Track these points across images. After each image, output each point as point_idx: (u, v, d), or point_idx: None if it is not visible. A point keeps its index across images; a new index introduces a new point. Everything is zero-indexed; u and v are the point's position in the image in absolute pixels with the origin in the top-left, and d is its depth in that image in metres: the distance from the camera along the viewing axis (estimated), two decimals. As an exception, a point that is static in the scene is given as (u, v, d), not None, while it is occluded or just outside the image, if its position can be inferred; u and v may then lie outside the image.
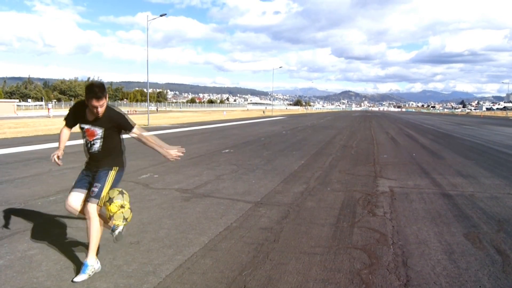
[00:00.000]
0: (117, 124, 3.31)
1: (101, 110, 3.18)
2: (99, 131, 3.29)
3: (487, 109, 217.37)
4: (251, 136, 17.10)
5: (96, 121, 3.26)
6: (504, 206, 5.49)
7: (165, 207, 5.13)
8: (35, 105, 74.97)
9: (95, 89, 3.11)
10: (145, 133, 3.47)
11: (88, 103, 3.14)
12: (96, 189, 3.23)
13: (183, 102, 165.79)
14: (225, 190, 6.19)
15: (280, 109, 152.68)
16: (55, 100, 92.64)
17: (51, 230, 4.20)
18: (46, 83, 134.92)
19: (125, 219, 3.31)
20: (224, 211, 4.95)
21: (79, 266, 3.25)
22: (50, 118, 33.39)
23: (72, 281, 3.06)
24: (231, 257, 3.52)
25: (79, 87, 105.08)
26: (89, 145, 3.32)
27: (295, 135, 18.11)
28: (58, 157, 3.32)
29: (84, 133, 3.32)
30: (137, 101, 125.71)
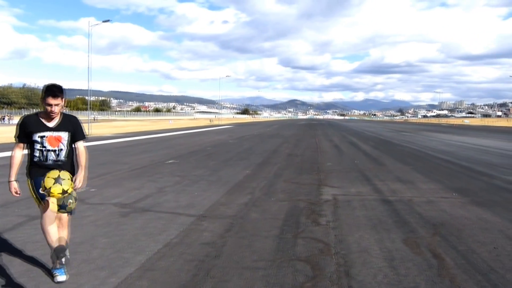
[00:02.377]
0: (74, 130, 3.16)
1: (56, 109, 3.02)
2: (64, 136, 3.10)
3: (423, 116, 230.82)
4: (197, 145, 16.82)
5: (59, 126, 3.09)
6: (438, 210, 5.70)
7: (100, 224, 4.80)
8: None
9: (53, 88, 3.03)
10: (83, 145, 3.32)
11: (44, 102, 3.01)
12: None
13: (128, 111, 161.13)
14: (167, 203, 5.94)
15: (227, 117, 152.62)
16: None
17: (-32, 255, 3.77)
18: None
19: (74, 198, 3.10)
20: (165, 226, 4.72)
21: None
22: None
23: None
24: (170, 277, 3.31)
25: (13, 94, 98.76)
26: (48, 155, 3.07)
27: (241, 144, 18.05)
28: (16, 191, 3.16)
29: (41, 144, 3.05)
30: (78, 109, 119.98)
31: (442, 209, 5.73)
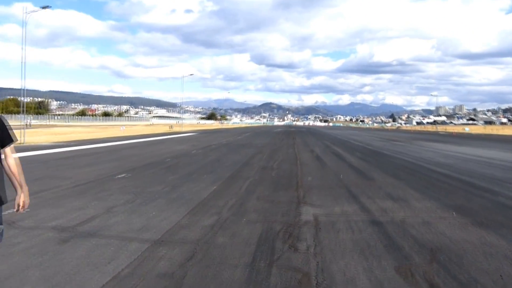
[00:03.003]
0: None
1: None
2: None
3: (417, 123, 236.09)
4: (154, 157, 16.65)
5: None
6: (436, 232, 5.80)
7: (34, 252, 4.64)
8: None
9: None
10: (14, 155, 3.14)
11: None
12: None
13: (72, 115, 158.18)
14: (117, 226, 5.82)
15: (191, 123, 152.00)
16: None
17: None
18: None
19: None
20: (113, 255, 4.61)
21: None
22: None
23: None
24: (118, 317, 3.23)
25: None
26: None
27: (207, 155, 18.00)
28: None
29: None
30: (9, 112, 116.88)
31: (440, 231, 5.84)
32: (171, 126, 70.17)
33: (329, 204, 7.63)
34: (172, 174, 11.31)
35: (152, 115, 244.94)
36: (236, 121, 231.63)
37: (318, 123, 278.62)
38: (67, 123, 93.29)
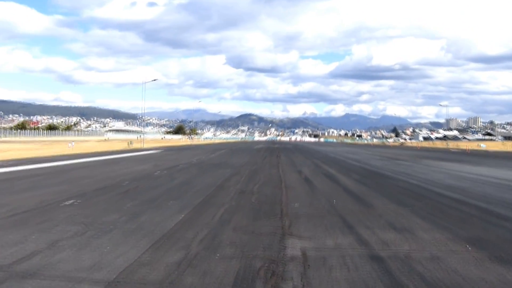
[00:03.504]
0: None
1: None
2: None
3: (425, 138, 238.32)
4: (109, 179, 16.48)
5: None
6: (447, 269, 5.84)
7: (-42, 297, 4.55)
8: None
9: None
10: None
11: None
12: None
13: (9, 128, 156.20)
14: (63, 264, 5.73)
15: (154, 138, 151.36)
16: None
17: None
18: None
19: None
20: (57, 299, 4.54)
21: None
22: None
23: None
24: None
25: None
26: None
27: (173, 177, 17.91)
28: None
29: None
30: None
31: (452, 268, 5.87)
32: (130, 142, 69.44)
33: (319, 235, 7.63)
34: (130, 201, 11.22)
35: (107, 128, 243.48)
36: (208, 136, 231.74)
37: (307, 138, 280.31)
38: (3, 138, 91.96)
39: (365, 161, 32.63)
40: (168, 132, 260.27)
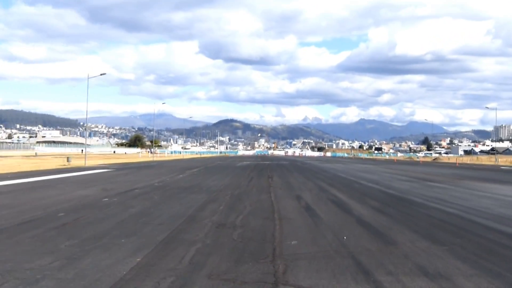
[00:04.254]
0: None
1: None
2: None
3: (466, 152, 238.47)
4: (38, 209, 16.33)
5: None
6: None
7: None
8: None
9: None
10: None
11: None
12: None
13: None
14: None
15: (102, 153, 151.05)
16: None
17: None
18: None
19: None
20: None
21: None
22: None
23: None
24: None
25: None
26: None
27: (128, 205, 17.80)
28: None
29: None
30: None
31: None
32: (68, 159, 69.10)
33: (325, 284, 7.53)
34: (68, 238, 11.06)
35: (37, 139, 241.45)
36: (176, 150, 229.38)
37: (309, 153, 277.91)
38: None
39: (386, 182, 32.63)
40: (121, 145, 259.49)
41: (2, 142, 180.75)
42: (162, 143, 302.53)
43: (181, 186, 26.52)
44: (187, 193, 22.63)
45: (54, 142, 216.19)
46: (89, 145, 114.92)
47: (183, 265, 8.69)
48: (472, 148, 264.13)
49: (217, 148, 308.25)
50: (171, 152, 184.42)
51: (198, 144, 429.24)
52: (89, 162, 61.45)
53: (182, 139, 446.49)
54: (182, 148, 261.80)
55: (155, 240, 10.99)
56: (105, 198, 19.85)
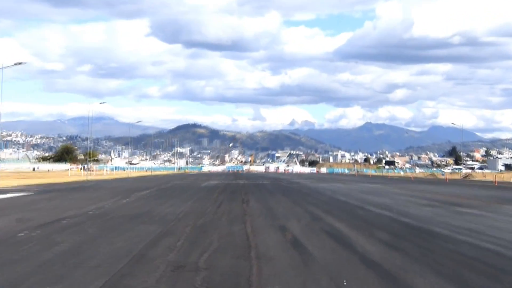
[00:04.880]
0: None
1: None
2: None
3: (508, 166, 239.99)
4: None
5: None
6: None
7: None
8: None
9: None
10: None
11: None
12: None
13: None
14: None
15: (18, 170, 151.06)
16: None
17: None
18: None
19: None
20: None
21: None
22: None
23: None
24: None
25: None
26: None
27: (52, 241, 17.42)
28: None
29: None
30: None
31: None
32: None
33: None
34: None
35: None
36: (120, 165, 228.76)
37: (298, 168, 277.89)
38: None
39: (401, 208, 32.59)
40: (45, 159, 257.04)
41: None
42: (101, 156, 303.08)
43: (125, 215, 26.34)
44: (134, 223, 22.35)
45: None
46: (2, 160, 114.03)
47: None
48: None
49: (174, 163, 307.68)
50: (113, 169, 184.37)
51: (149, 157, 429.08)
52: (0, 183, 60.95)
53: (127, 151, 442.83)
54: (127, 163, 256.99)
55: (88, 288, 10.66)
56: (22, 232, 19.38)
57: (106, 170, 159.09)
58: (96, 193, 44.83)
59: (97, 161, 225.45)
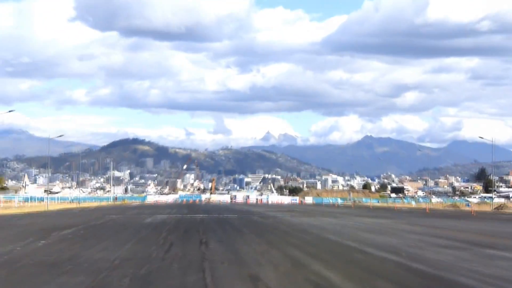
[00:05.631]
0: None
1: None
2: None
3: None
4: None
5: None
6: None
7: None
8: None
9: None
10: None
11: None
12: None
13: None
14: None
15: None
16: None
17: None
18: None
19: None
20: None
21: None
22: None
23: None
24: None
25: None
26: None
27: None
28: None
29: None
30: None
31: None
32: None
33: None
34: None
35: None
36: (35, 195, 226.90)
37: (275, 197, 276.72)
38: None
39: (412, 250, 32.45)
40: None
41: None
42: (9, 182, 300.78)
43: (42, 262, 25.91)
44: (53, 274, 21.88)
45: None
46: None
47: None
48: None
49: (109, 191, 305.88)
50: (27, 200, 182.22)
51: (75, 184, 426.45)
52: None
53: (45, 175, 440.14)
54: (46, 191, 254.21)
55: None
56: None
57: (17, 202, 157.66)
58: (2, 233, 44.54)
59: (3, 189, 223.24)
